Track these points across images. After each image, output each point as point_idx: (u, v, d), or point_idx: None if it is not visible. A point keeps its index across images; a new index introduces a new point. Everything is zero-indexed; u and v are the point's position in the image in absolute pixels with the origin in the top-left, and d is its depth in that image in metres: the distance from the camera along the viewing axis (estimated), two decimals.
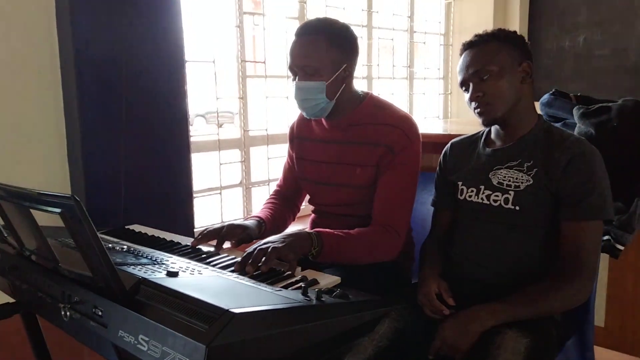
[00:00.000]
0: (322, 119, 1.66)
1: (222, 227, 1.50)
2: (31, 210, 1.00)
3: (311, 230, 1.45)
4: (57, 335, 1.34)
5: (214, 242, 1.46)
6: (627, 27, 3.77)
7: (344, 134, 1.63)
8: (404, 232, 1.56)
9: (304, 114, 1.62)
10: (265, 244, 1.32)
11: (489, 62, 1.38)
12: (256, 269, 1.23)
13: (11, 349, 1.79)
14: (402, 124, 1.56)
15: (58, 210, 0.88)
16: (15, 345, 1.70)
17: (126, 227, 1.67)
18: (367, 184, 1.59)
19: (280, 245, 1.30)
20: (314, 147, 1.71)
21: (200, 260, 1.30)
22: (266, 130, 2.85)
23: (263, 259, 1.25)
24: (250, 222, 1.61)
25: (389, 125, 1.56)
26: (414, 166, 1.57)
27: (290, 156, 1.83)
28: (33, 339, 1.45)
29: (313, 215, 1.80)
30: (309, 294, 1.01)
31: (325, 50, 1.51)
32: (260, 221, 1.66)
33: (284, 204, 1.82)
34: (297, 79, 1.56)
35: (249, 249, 1.30)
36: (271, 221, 1.70)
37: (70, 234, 0.90)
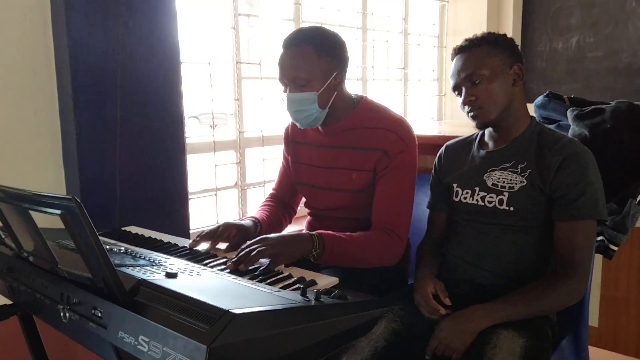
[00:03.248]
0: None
1: (219, 227, 1.50)
2: (30, 212, 1.00)
3: (313, 232, 1.46)
4: (54, 337, 1.34)
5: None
6: (619, 29, 3.80)
7: (339, 138, 1.63)
8: (406, 236, 1.56)
9: (298, 124, 1.62)
10: (255, 243, 1.33)
11: (480, 66, 1.39)
12: (236, 267, 1.26)
13: (8, 351, 1.79)
14: (397, 127, 1.57)
15: (58, 211, 0.89)
16: (13, 348, 1.70)
17: (122, 228, 1.68)
18: (363, 188, 1.59)
19: (265, 247, 1.31)
20: (309, 151, 1.72)
21: (198, 261, 1.31)
22: (261, 131, 2.85)
23: (246, 259, 1.28)
24: (246, 222, 1.62)
25: (383, 129, 1.56)
26: (411, 169, 1.58)
27: (285, 159, 1.84)
28: (30, 341, 1.44)
29: (309, 217, 1.80)
30: (307, 295, 1.02)
31: (314, 61, 1.51)
32: (256, 222, 1.67)
33: (279, 207, 1.83)
34: (287, 91, 1.55)
35: (242, 247, 1.33)
36: (267, 222, 1.71)
37: (71, 235, 0.90)
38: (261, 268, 1.28)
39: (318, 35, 1.55)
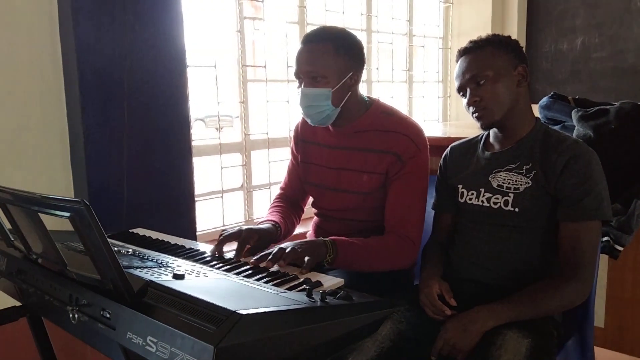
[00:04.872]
0: (328, 125, 1.65)
1: (241, 231, 1.48)
2: (39, 214, 1.02)
3: (326, 238, 1.46)
4: (63, 338, 1.35)
5: (233, 245, 1.47)
6: (624, 30, 3.79)
7: (350, 140, 1.63)
8: (419, 240, 1.57)
9: (309, 120, 1.62)
10: (284, 246, 1.36)
11: (485, 67, 1.40)
12: (273, 265, 1.29)
13: (17, 352, 1.80)
14: (410, 131, 1.57)
15: (67, 214, 0.90)
16: (22, 349, 1.71)
17: (130, 230, 1.69)
18: (373, 191, 1.59)
19: (298, 249, 1.34)
20: (319, 152, 1.72)
21: (205, 263, 1.32)
22: (267, 134, 2.86)
23: (281, 256, 1.31)
24: (266, 226, 1.61)
25: (397, 132, 1.57)
26: (423, 174, 1.58)
27: (294, 157, 1.83)
28: (39, 342, 1.46)
29: (316, 218, 1.80)
30: (313, 296, 1.02)
31: (332, 57, 1.52)
32: (276, 225, 1.65)
33: (289, 207, 1.82)
34: (302, 86, 1.56)
35: (266, 252, 1.34)
36: (284, 224, 1.70)
37: (80, 237, 0.91)
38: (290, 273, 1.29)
39: (338, 34, 1.57)
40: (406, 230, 1.54)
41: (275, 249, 1.34)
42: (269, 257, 1.30)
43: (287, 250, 1.32)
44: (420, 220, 1.58)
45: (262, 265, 1.30)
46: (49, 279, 1.15)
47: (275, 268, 1.29)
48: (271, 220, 1.68)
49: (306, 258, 1.32)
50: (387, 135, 1.58)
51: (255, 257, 1.33)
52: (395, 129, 1.58)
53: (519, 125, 1.45)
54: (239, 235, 1.47)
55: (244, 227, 1.52)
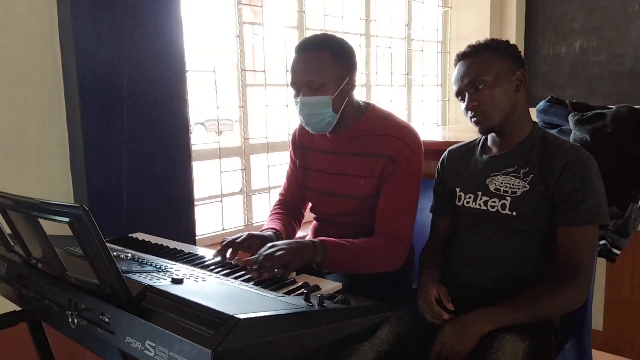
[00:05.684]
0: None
1: (243, 238, 1.48)
2: (39, 219, 1.02)
3: (315, 239, 1.46)
4: (62, 343, 1.36)
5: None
6: (622, 33, 3.81)
7: (347, 145, 1.64)
8: (408, 242, 1.57)
9: (309, 129, 1.62)
10: (271, 247, 1.34)
11: (483, 72, 1.41)
12: (260, 275, 1.25)
13: (17, 356, 1.81)
14: (404, 134, 1.58)
15: (66, 219, 0.90)
16: (21, 353, 1.72)
17: (129, 235, 1.70)
18: (371, 195, 1.60)
19: (283, 252, 1.32)
20: (316, 157, 1.73)
21: (204, 267, 1.32)
22: (266, 138, 2.87)
23: (267, 265, 1.27)
24: (267, 234, 1.61)
25: (390, 136, 1.57)
26: (415, 176, 1.58)
27: (293, 162, 1.84)
28: (39, 346, 1.46)
29: (315, 222, 1.81)
30: (311, 300, 1.03)
31: (330, 65, 1.52)
32: (277, 233, 1.65)
33: (289, 213, 1.82)
34: (301, 95, 1.55)
35: (256, 255, 1.32)
36: (285, 232, 1.70)
37: (79, 242, 0.92)
38: (283, 277, 1.28)
39: (332, 41, 1.57)
40: (395, 232, 1.54)
41: (260, 255, 1.32)
42: (254, 267, 1.27)
43: (273, 258, 1.29)
44: (410, 221, 1.58)
45: (253, 275, 1.26)
46: (48, 284, 1.15)
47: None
48: (272, 228, 1.67)
49: (290, 265, 1.32)
50: (381, 139, 1.58)
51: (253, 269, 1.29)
52: (389, 132, 1.58)
53: (517, 129, 1.45)
54: (241, 242, 1.46)
55: (245, 234, 1.51)
